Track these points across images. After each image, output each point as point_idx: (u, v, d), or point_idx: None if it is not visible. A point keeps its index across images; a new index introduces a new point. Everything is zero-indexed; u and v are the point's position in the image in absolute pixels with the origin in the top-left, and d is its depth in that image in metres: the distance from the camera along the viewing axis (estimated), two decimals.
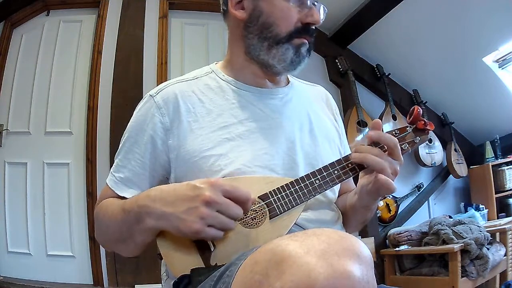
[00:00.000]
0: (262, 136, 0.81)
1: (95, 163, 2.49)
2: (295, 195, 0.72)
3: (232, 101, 0.84)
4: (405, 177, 3.15)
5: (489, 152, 3.19)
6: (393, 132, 0.79)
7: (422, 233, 2.53)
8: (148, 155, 0.80)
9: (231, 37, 0.90)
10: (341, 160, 0.76)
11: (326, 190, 0.75)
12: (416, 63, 3.07)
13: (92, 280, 2.39)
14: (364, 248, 0.49)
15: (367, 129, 2.80)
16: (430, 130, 0.79)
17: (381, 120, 0.75)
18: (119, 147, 0.84)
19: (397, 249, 2.55)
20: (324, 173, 0.74)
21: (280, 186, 0.72)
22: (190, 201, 0.64)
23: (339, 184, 0.79)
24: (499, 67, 2.85)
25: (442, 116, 3.33)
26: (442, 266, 2.27)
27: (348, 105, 2.95)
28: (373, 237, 2.69)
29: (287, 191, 0.72)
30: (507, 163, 3.08)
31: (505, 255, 2.39)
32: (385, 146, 0.74)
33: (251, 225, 0.70)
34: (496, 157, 3.16)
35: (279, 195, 0.72)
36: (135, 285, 2.30)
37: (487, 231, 2.30)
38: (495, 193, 3.02)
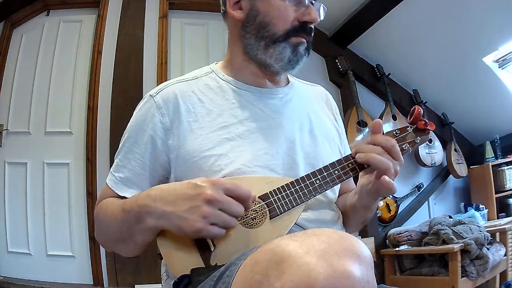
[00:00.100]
0: (262, 136, 0.81)
1: (95, 163, 2.49)
2: (295, 195, 0.72)
3: (232, 101, 0.84)
4: (405, 177, 3.15)
5: (489, 152, 3.19)
6: (394, 132, 0.79)
7: (422, 233, 2.53)
8: (148, 155, 0.80)
9: (230, 37, 0.91)
10: (341, 160, 0.76)
11: (326, 190, 0.75)
12: (416, 63, 3.07)
13: (92, 280, 2.39)
14: (364, 248, 0.49)
15: (367, 129, 2.80)
16: (430, 130, 0.79)
17: (381, 120, 0.75)
18: (119, 147, 0.84)
19: (397, 249, 2.55)
20: (325, 173, 0.74)
21: (280, 186, 0.72)
22: (192, 200, 0.64)
23: (339, 184, 0.79)
24: (499, 67, 2.85)
25: (442, 116, 3.33)
26: (442, 266, 2.27)
27: (348, 105, 2.95)
28: (373, 237, 2.69)
29: (287, 191, 0.72)
30: (507, 163, 3.08)
31: (505, 255, 2.39)
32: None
33: (251, 225, 0.70)
34: (496, 157, 3.16)
35: (279, 195, 0.72)
36: (135, 285, 2.30)
37: (487, 231, 2.30)
38: (495, 193, 3.02)
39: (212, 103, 0.83)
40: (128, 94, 2.53)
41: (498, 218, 2.91)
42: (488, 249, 2.26)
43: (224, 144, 0.78)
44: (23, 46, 2.65)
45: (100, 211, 0.80)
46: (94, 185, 2.46)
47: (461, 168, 3.21)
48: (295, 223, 0.72)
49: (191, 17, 2.95)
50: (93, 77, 2.61)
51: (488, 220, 2.87)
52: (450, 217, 2.90)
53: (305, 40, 0.84)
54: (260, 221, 0.70)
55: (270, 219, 0.70)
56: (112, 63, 2.63)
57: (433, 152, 3.11)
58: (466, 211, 3.06)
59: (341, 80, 3.02)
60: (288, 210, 0.71)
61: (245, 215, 0.70)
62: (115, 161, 0.84)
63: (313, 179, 0.73)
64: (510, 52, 2.73)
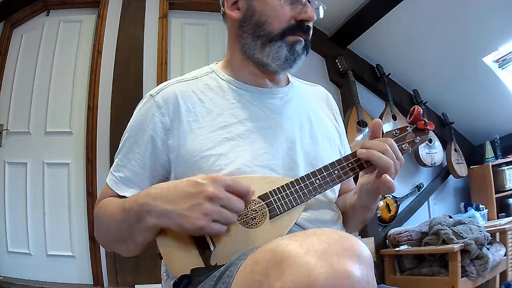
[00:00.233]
0: (262, 135, 0.81)
1: (95, 163, 2.49)
2: (295, 195, 0.72)
3: (232, 101, 0.84)
4: (405, 177, 3.15)
5: (489, 152, 3.19)
6: (393, 132, 0.79)
7: (422, 233, 2.53)
8: (148, 155, 0.80)
9: (229, 37, 0.91)
10: (341, 160, 0.76)
11: (326, 190, 0.75)
12: (416, 63, 3.07)
13: (92, 280, 2.39)
14: (364, 248, 0.49)
15: (367, 129, 2.80)
16: (430, 130, 0.79)
17: (381, 120, 0.75)
18: (119, 147, 0.84)
19: (397, 249, 2.55)
20: (324, 173, 0.74)
21: (280, 186, 0.72)
22: (193, 197, 0.64)
23: (339, 184, 0.79)
24: (499, 67, 2.85)
25: (442, 116, 3.33)
26: (442, 266, 2.27)
27: (348, 105, 2.95)
28: (373, 237, 2.69)
29: (287, 191, 0.72)
30: (507, 163, 3.08)
31: (505, 255, 2.39)
32: None
33: (251, 225, 0.70)
34: (496, 157, 3.16)
35: (279, 195, 0.72)
36: (135, 285, 2.30)
37: (487, 231, 2.30)
38: (495, 193, 3.02)
39: (212, 103, 0.83)
40: (128, 94, 2.53)
41: (498, 218, 2.91)
42: (488, 249, 2.26)
43: (224, 144, 0.78)
44: (23, 46, 2.65)
45: (100, 210, 0.80)
46: (94, 185, 2.46)
47: (461, 168, 3.21)
48: (295, 223, 0.72)
49: (191, 17, 2.95)
50: (93, 77, 2.61)
51: (488, 220, 2.87)
52: (450, 217, 2.91)
53: (302, 39, 0.84)
54: (260, 221, 0.70)
55: (270, 219, 0.70)
56: (112, 63, 2.63)
57: (433, 152, 3.11)
58: (466, 211, 3.06)
59: (341, 80, 3.02)
60: (288, 210, 0.71)
61: (245, 215, 0.70)
62: (115, 161, 0.84)
63: (313, 179, 0.73)
64: (510, 52, 2.73)
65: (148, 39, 2.73)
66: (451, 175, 3.28)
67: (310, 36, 0.86)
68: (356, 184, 0.83)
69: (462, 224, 2.33)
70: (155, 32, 2.76)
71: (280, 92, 0.89)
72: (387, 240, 2.74)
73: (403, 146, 0.78)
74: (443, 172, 3.33)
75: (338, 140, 0.94)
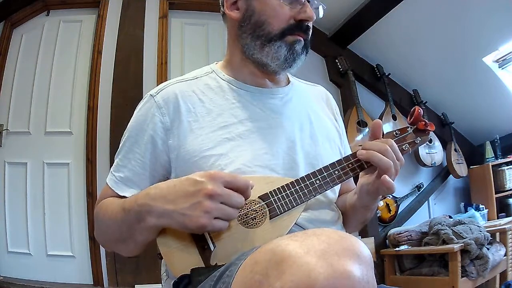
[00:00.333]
0: (262, 135, 0.81)
1: (95, 163, 2.49)
2: (296, 195, 0.72)
3: (232, 101, 0.84)
4: (405, 177, 3.15)
5: (489, 152, 3.19)
6: (394, 133, 0.79)
7: (422, 233, 2.53)
8: (148, 155, 0.81)
9: (229, 37, 0.91)
10: (342, 160, 0.76)
11: (326, 190, 0.75)
12: (416, 63, 3.07)
13: (92, 280, 2.39)
14: (364, 248, 0.49)
15: (367, 129, 2.80)
16: (430, 131, 0.79)
17: (381, 120, 0.75)
18: (120, 147, 0.84)
19: (397, 249, 2.55)
20: (325, 173, 0.74)
21: (281, 186, 0.72)
22: (193, 196, 0.64)
23: (339, 184, 0.79)
24: (499, 67, 2.85)
25: (442, 116, 3.33)
26: (442, 266, 2.27)
27: (348, 105, 2.95)
28: (373, 237, 2.69)
29: (288, 191, 0.72)
30: (507, 163, 3.08)
31: (505, 255, 2.39)
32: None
33: (252, 225, 0.70)
34: (496, 157, 3.16)
35: (279, 195, 0.72)
36: (135, 285, 2.30)
37: (487, 231, 2.30)
38: (495, 193, 3.02)
39: (212, 103, 0.84)
40: (128, 94, 2.53)
41: (498, 218, 2.91)
42: (488, 249, 2.26)
43: (224, 144, 0.78)
44: (23, 46, 2.65)
45: (100, 210, 0.80)
46: (94, 185, 2.46)
47: (461, 168, 3.21)
48: (295, 223, 0.72)
49: (191, 17, 2.95)
50: (93, 77, 2.61)
51: (488, 220, 2.87)
52: (450, 217, 2.90)
53: (301, 38, 0.84)
54: (260, 221, 0.70)
55: (270, 219, 0.70)
56: (112, 63, 2.63)
57: (433, 152, 3.11)
58: (466, 211, 3.06)
59: (341, 80, 3.02)
60: (288, 210, 0.71)
61: (246, 215, 0.70)
62: (115, 161, 0.84)
63: (313, 179, 0.73)
64: (510, 52, 2.73)
65: (148, 39, 2.72)
66: (451, 175, 3.27)
67: (310, 36, 0.86)
68: (356, 184, 0.83)
69: (462, 224, 2.33)
70: (155, 32, 2.76)
71: (280, 92, 0.89)
72: (387, 240, 2.74)
73: (404, 146, 0.78)
74: (443, 172, 3.33)
75: (338, 140, 0.94)
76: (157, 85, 0.89)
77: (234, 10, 0.86)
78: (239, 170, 0.75)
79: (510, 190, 3.02)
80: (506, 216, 2.90)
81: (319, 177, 0.74)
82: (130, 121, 0.85)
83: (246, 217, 0.70)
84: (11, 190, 2.46)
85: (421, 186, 3.19)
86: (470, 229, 2.25)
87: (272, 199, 0.71)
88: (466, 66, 2.88)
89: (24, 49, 2.65)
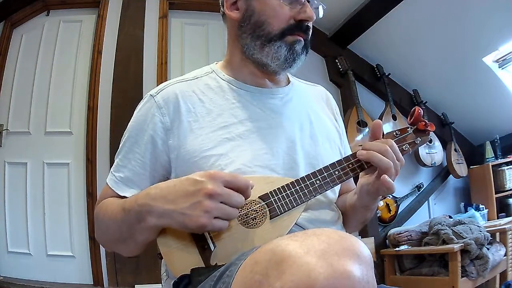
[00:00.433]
0: (262, 136, 0.81)
1: (95, 163, 2.49)
2: (296, 195, 0.72)
3: (232, 101, 0.84)
4: (405, 177, 3.15)
5: (489, 152, 3.19)
6: (394, 133, 0.79)
7: (422, 233, 2.53)
8: (148, 155, 0.81)
9: (229, 37, 0.91)
10: (342, 160, 0.76)
11: (326, 190, 0.75)
12: (416, 63, 3.07)
13: (92, 280, 2.39)
14: (364, 248, 0.49)
15: (367, 129, 2.80)
16: (430, 131, 0.79)
17: (381, 120, 0.75)
18: (120, 147, 0.85)
19: (397, 249, 2.55)
20: (325, 174, 0.74)
21: (281, 186, 0.72)
22: (193, 196, 0.64)
23: (339, 184, 0.79)
24: (499, 67, 2.85)
25: (442, 116, 3.33)
26: (442, 266, 2.27)
27: (348, 105, 2.95)
28: (373, 237, 2.69)
29: (288, 191, 0.72)
30: (507, 163, 3.08)
31: (505, 255, 2.39)
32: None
33: (252, 225, 0.70)
34: (496, 157, 3.16)
35: (279, 195, 0.72)
36: (135, 285, 2.30)
37: (487, 231, 2.30)
38: (495, 193, 3.02)
39: (212, 103, 0.84)
40: (128, 94, 2.53)
41: (498, 218, 2.91)
42: (488, 249, 2.26)
43: (224, 144, 0.78)
44: (23, 46, 2.65)
45: (100, 211, 0.80)
46: (94, 185, 2.46)
47: (461, 168, 3.21)
48: (295, 223, 0.72)
49: (191, 17, 2.95)
50: (93, 77, 2.61)
51: (488, 220, 2.87)
52: (450, 217, 2.90)
53: (301, 38, 0.84)
54: (260, 221, 0.70)
55: (270, 219, 0.70)
56: (112, 63, 2.63)
57: (433, 152, 3.11)
58: (466, 211, 3.06)
59: (341, 80, 3.02)
60: (288, 210, 0.71)
61: (246, 215, 0.70)
62: (115, 161, 0.84)
63: (313, 180, 0.73)
64: (510, 52, 2.73)
65: (148, 39, 2.72)
66: (451, 175, 3.27)
67: (310, 36, 0.86)
68: (356, 185, 0.83)
69: (462, 224, 2.33)
70: (155, 32, 2.76)
71: (280, 92, 0.89)
72: (387, 240, 2.74)
73: (404, 147, 0.78)
74: (443, 172, 3.33)
75: (338, 140, 0.94)
76: (157, 85, 0.89)
77: (234, 10, 0.86)
78: (239, 170, 0.75)
79: (510, 190, 3.02)
80: (506, 216, 2.90)
81: (319, 177, 0.74)
82: (130, 121, 0.85)
83: (246, 217, 0.70)
84: (11, 190, 2.46)
85: (421, 186, 3.19)
86: (470, 229, 2.25)
87: (272, 199, 0.71)
88: (466, 66, 2.88)
89: (24, 49, 2.65)
